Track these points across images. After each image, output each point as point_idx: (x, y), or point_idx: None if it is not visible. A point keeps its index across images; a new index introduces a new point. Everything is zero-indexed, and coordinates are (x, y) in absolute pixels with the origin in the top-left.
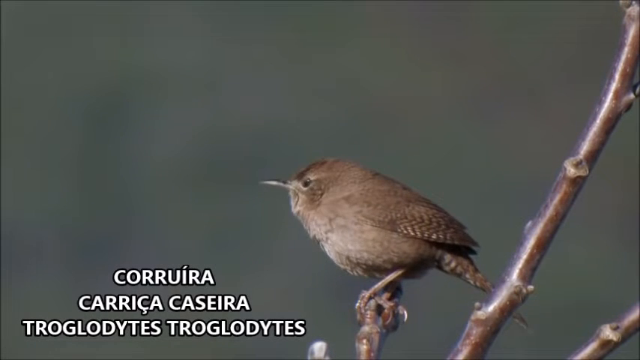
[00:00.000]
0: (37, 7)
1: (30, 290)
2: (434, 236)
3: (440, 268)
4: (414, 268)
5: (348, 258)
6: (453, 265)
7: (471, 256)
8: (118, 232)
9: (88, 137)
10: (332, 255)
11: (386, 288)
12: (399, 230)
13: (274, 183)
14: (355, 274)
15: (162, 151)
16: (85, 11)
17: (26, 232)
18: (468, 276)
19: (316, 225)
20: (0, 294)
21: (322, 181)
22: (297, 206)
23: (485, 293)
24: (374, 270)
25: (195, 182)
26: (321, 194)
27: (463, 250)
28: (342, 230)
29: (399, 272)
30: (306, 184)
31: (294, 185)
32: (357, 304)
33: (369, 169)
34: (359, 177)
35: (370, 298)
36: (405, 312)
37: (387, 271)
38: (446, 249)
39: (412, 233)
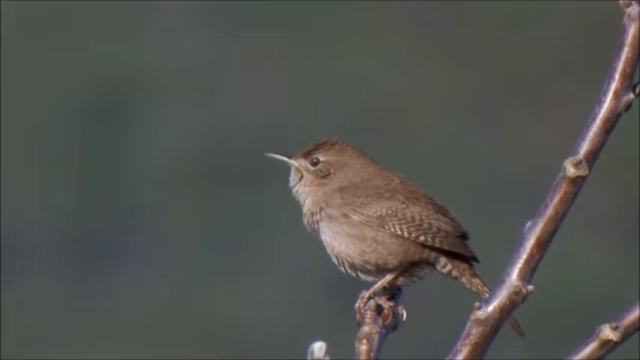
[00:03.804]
0: (36, 7)
1: (30, 290)
2: (422, 238)
3: (436, 270)
4: (406, 270)
5: (333, 251)
6: (448, 268)
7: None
8: (118, 232)
9: (88, 137)
10: (325, 245)
11: (386, 288)
12: (387, 227)
13: (279, 157)
14: (343, 270)
15: (162, 151)
16: (85, 11)
17: (26, 232)
18: (464, 280)
19: (309, 212)
20: (0, 294)
21: (331, 164)
22: (301, 185)
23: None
24: (358, 270)
25: (195, 182)
26: (330, 178)
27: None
28: (329, 221)
29: (395, 273)
30: (313, 163)
31: (299, 163)
32: (357, 304)
33: (372, 159)
34: (360, 167)
35: (370, 298)
36: (405, 312)
37: (372, 273)
38: (441, 252)
39: (399, 232)
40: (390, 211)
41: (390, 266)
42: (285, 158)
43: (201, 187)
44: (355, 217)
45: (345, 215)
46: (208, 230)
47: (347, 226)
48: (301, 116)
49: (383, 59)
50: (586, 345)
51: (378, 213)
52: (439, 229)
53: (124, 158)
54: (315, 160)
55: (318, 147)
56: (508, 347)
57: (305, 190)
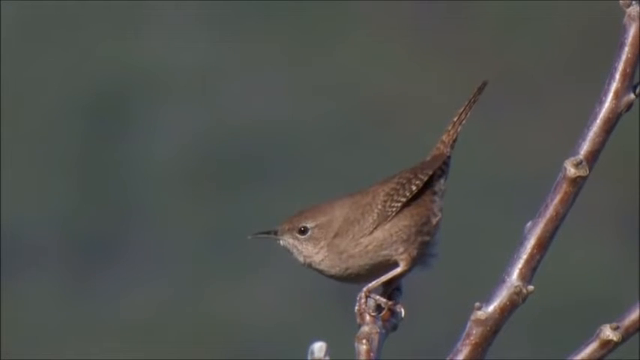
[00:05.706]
0: (36, 7)
1: (30, 290)
2: (414, 184)
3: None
4: (418, 243)
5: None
6: (442, 184)
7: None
8: (118, 232)
9: (88, 137)
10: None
11: (383, 287)
12: (388, 212)
13: (265, 236)
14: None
15: (162, 151)
16: (86, 11)
17: (26, 232)
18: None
19: (332, 270)
20: (0, 294)
21: (324, 225)
22: (307, 256)
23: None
24: (383, 264)
25: (195, 182)
26: (327, 240)
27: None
28: (353, 259)
29: (397, 270)
30: (301, 232)
31: (286, 240)
32: (357, 307)
33: (344, 195)
34: (340, 211)
35: (367, 296)
36: (403, 309)
37: (388, 267)
38: (429, 185)
39: (397, 203)
40: (378, 201)
41: (408, 240)
42: (271, 236)
43: (201, 187)
44: (366, 238)
45: (357, 246)
46: (208, 230)
47: (364, 257)
48: (301, 116)
49: (383, 58)
50: (586, 345)
51: (376, 211)
52: (413, 172)
53: (125, 158)
54: (302, 229)
55: (299, 217)
56: (508, 347)
57: (312, 260)
